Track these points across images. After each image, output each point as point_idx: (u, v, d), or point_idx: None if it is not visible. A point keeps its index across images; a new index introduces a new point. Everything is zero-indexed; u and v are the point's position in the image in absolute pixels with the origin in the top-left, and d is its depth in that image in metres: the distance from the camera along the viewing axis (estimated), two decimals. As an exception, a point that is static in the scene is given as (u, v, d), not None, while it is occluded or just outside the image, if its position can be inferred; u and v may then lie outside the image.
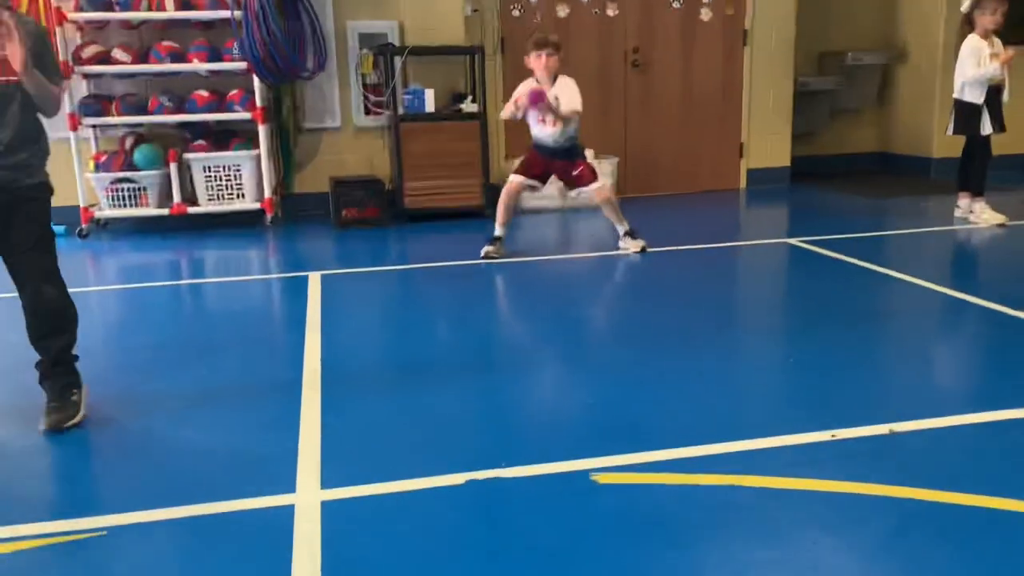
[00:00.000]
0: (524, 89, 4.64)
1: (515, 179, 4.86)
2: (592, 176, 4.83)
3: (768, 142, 7.32)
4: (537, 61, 4.60)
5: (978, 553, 1.87)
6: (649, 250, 4.89)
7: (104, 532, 2.05)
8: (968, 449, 2.42)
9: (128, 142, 5.93)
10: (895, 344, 3.37)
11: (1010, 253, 4.88)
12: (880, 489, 2.16)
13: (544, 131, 4.71)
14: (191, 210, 5.88)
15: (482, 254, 4.72)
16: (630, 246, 4.87)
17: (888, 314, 3.76)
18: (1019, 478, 2.22)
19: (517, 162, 5.09)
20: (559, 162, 4.82)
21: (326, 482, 2.27)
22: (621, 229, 4.93)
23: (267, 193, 5.95)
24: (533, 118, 4.70)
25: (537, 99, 4.50)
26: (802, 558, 1.87)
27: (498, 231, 4.84)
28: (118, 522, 2.09)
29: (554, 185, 6.39)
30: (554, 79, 4.68)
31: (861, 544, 1.92)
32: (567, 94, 4.60)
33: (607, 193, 4.94)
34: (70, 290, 2.80)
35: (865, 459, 2.33)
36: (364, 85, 6.31)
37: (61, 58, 5.53)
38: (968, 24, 5.36)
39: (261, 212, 5.98)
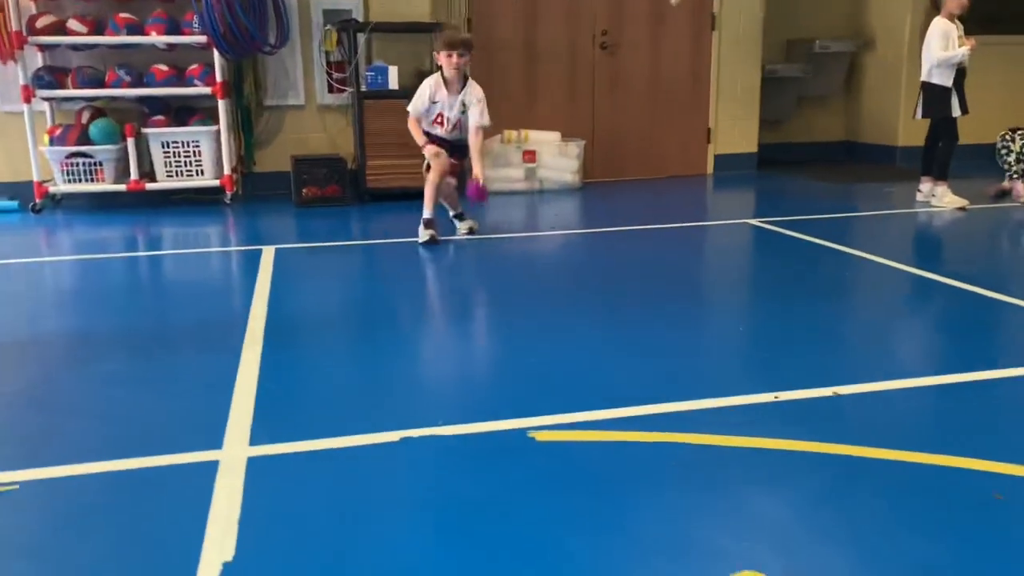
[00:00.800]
0: (427, 91, 4.54)
1: (436, 167, 4.64)
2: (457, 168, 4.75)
3: (735, 128, 7.31)
4: (447, 60, 4.46)
5: (913, 506, 1.85)
6: (605, 229, 4.85)
7: (16, 486, 1.97)
8: (910, 410, 2.40)
9: (84, 116, 5.80)
10: (847, 315, 3.35)
11: (968, 235, 4.89)
12: (819, 447, 2.13)
13: (438, 131, 4.63)
14: (149, 186, 5.77)
15: (426, 237, 4.57)
16: (463, 228, 4.81)
17: (843, 288, 3.75)
18: (957, 437, 2.20)
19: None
20: (450, 151, 4.69)
21: (255, 439, 2.21)
22: (452, 211, 4.88)
23: (227, 170, 5.85)
24: (429, 118, 4.61)
25: (480, 197, 4.41)
26: (736, 511, 1.84)
27: (428, 214, 4.67)
28: (32, 477, 2.02)
29: (519, 167, 6.38)
30: (464, 80, 4.60)
31: (797, 498, 1.89)
32: (477, 109, 4.52)
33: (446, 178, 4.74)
34: (19, 260, 2.72)
35: (806, 419, 2.30)
36: (328, 62, 6.22)
37: (14, 28, 5.41)
38: (934, 7, 5.37)
39: (220, 189, 5.88)
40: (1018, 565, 1.63)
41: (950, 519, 1.80)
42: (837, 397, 2.44)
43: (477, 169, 4.45)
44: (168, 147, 5.78)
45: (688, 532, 1.76)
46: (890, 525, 1.77)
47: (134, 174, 5.71)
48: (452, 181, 4.71)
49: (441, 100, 4.55)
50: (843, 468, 2.03)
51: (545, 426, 2.26)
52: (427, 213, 4.56)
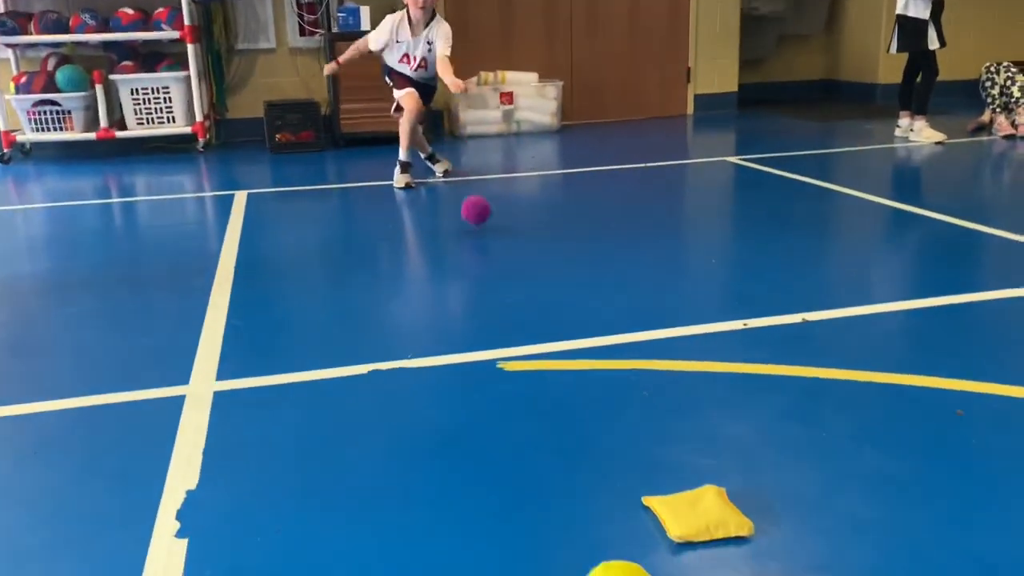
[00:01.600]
0: (388, 27, 4.38)
1: (409, 105, 4.56)
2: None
3: (715, 68, 7.23)
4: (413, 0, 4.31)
5: (876, 423, 1.86)
6: (583, 169, 4.82)
7: (-20, 422, 1.97)
8: (877, 334, 2.41)
9: (50, 63, 5.68)
10: (821, 246, 3.35)
11: (945, 168, 4.89)
12: (785, 369, 2.15)
13: (405, 69, 4.51)
14: (119, 134, 5.67)
15: (402, 184, 4.52)
16: (439, 169, 4.76)
17: (818, 221, 3.74)
18: (922, 358, 2.22)
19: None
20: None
21: (222, 375, 2.20)
22: (424, 154, 4.78)
23: (198, 117, 5.75)
24: (394, 56, 4.49)
25: (480, 215, 3.59)
26: (701, 431, 1.85)
27: (404, 156, 4.60)
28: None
29: (496, 110, 6.30)
30: (432, 16, 4.42)
31: (761, 417, 1.90)
32: (442, 42, 4.33)
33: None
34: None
35: (774, 345, 2.31)
36: (298, 3, 6.09)
37: (-28, -29, 5.25)
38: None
39: (193, 137, 5.79)
40: (976, 475, 1.65)
41: (912, 435, 1.81)
42: (806, 323, 2.45)
43: (448, 80, 4.27)
44: (137, 94, 5.67)
45: (654, 452, 1.76)
46: (853, 441, 1.79)
47: (104, 122, 5.61)
48: (418, 127, 4.62)
49: (405, 40, 4.43)
50: (808, 389, 2.04)
51: (514, 357, 2.26)
52: (403, 155, 4.49)
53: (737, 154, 5.28)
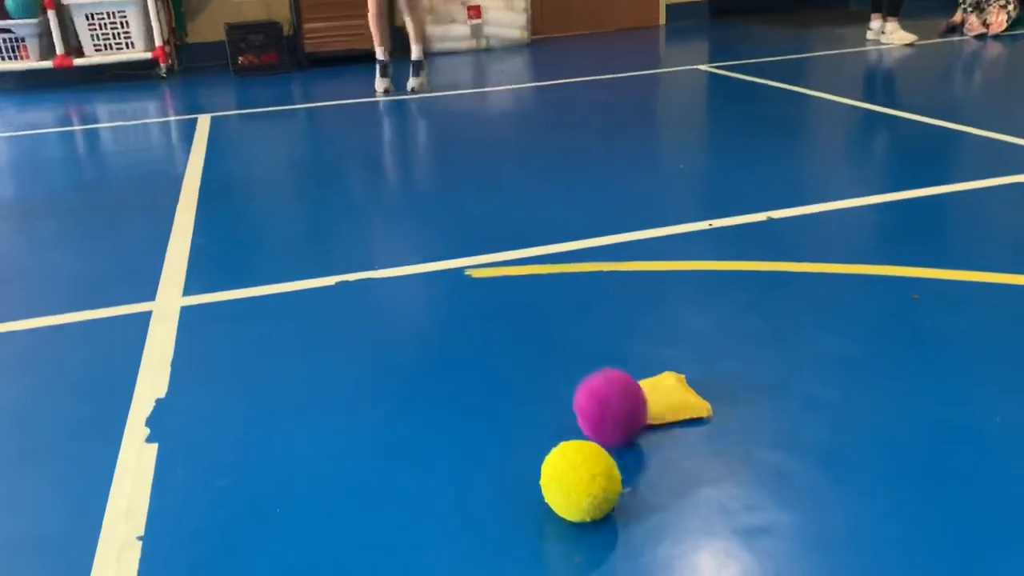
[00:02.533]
0: None
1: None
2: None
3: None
4: None
5: (835, 310, 1.90)
6: (553, 82, 4.75)
7: (-54, 344, 1.96)
8: (839, 229, 2.43)
9: (-1, -11, 5.48)
10: (789, 147, 3.35)
11: (915, 69, 4.86)
12: (748, 265, 2.17)
13: None
14: (77, 62, 5.52)
15: (381, 90, 4.50)
16: (413, 83, 4.68)
17: (787, 124, 3.73)
18: (882, 248, 2.25)
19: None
20: None
21: (188, 290, 2.19)
22: (415, 53, 4.70)
23: (158, 42, 5.60)
24: None
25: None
26: (664, 325, 1.87)
27: (380, 55, 4.50)
28: (-38, 335, 2.00)
29: (464, 24, 6.17)
30: None
31: (723, 309, 1.93)
32: None
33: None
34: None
35: (739, 243, 2.33)
36: (254, -80, 5.88)
37: None
38: None
39: (154, 63, 5.65)
40: (931, 355, 1.69)
41: (871, 320, 1.85)
42: (771, 221, 2.47)
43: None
44: (93, 19, 5.50)
45: (617, 346, 1.79)
46: (811, 327, 1.82)
47: (59, 49, 5.45)
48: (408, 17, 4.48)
49: None
50: (771, 282, 2.07)
51: (482, 264, 2.26)
52: (379, 54, 4.37)
53: (709, 62, 5.23)
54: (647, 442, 1.45)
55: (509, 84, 5.04)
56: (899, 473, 1.34)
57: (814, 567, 1.15)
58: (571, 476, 1.21)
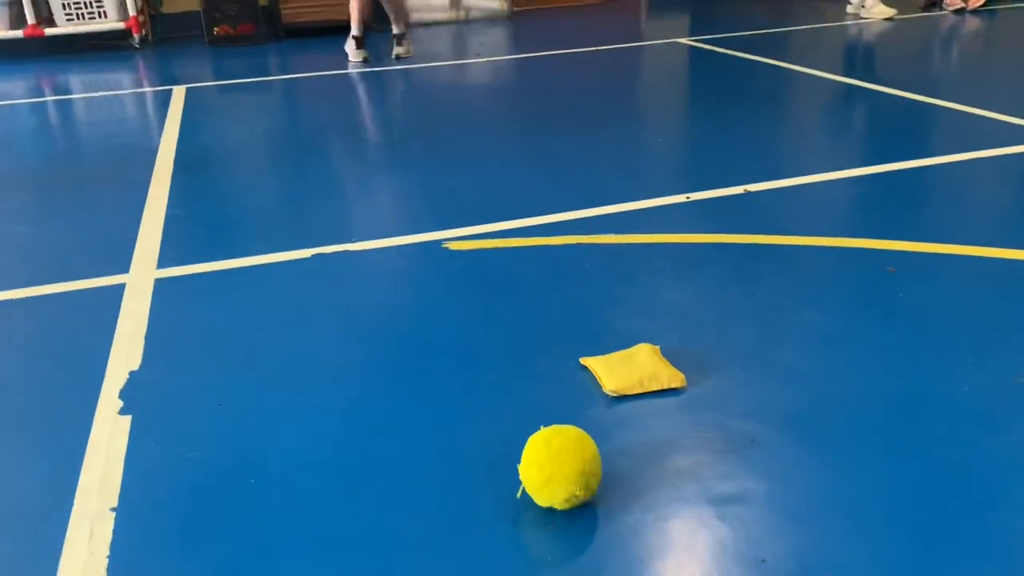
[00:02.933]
0: None
1: None
2: None
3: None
4: None
5: (813, 283, 1.91)
6: (533, 54, 4.72)
7: (-85, 317, 1.93)
8: (818, 202, 2.44)
9: (-34, -44, 5.35)
10: (768, 122, 3.35)
11: (894, 43, 4.87)
12: (725, 238, 2.17)
13: None
14: (48, 31, 5.42)
15: (359, 60, 4.45)
16: (399, 50, 4.64)
17: (767, 98, 3.73)
18: (859, 221, 2.26)
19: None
20: None
21: (163, 263, 2.17)
22: (396, 29, 4.68)
23: (131, 11, 5.50)
24: None
25: None
26: (641, 298, 1.88)
27: (356, 31, 4.49)
28: (-68, 308, 1.98)
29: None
30: None
31: (700, 281, 1.93)
32: None
33: None
34: None
35: (716, 215, 2.33)
36: None
37: None
38: None
39: (127, 33, 5.56)
40: (904, 326, 1.70)
41: (846, 292, 1.86)
42: (748, 194, 2.47)
43: None
44: (64, -12, 5.39)
45: (594, 318, 1.80)
46: (787, 299, 1.83)
47: (30, 19, 5.35)
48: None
49: None
50: (747, 255, 2.08)
51: (460, 237, 2.26)
52: (355, 30, 4.36)
53: (690, 35, 5.21)
54: (623, 411, 1.46)
55: (489, 56, 5.00)
56: (870, 442, 1.35)
57: (785, 535, 1.17)
58: (556, 475, 1.17)
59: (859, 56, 4.77)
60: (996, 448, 1.33)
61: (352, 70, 4.57)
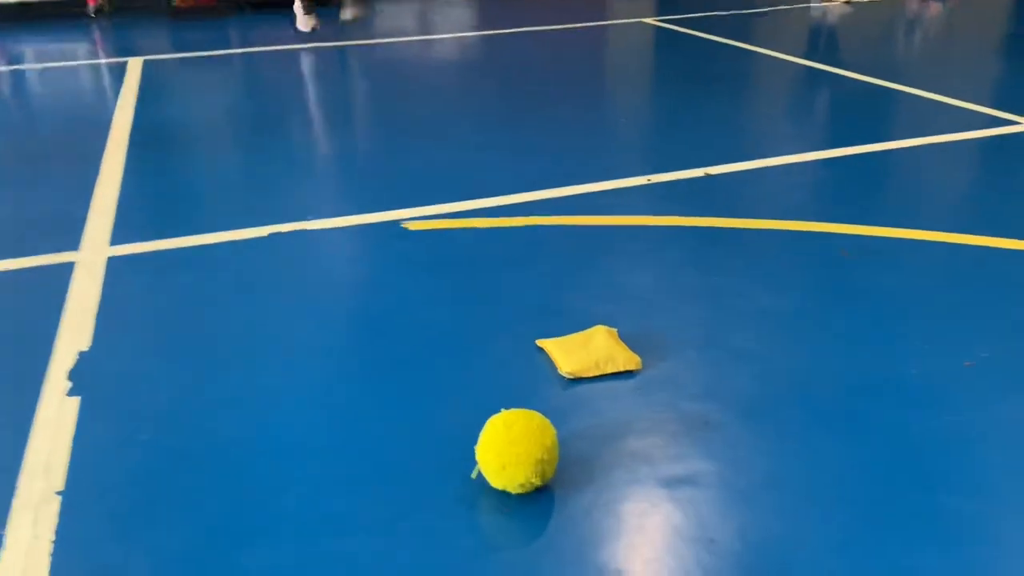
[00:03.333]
0: None
1: None
2: None
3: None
4: None
5: (767, 265, 1.92)
6: (496, 32, 4.68)
7: None
8: (776, 185, 2.45)
9: (-88, -81, 5.17)
10: (730, 103, 3.36)
11: (854, 28, 4.90)
12: (685, 220, 2.18)
13: None
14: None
15: (307, 28, 4.31)
16: (347, 14, 4.50)
17: (729, 79, 3.74)
18: (815, 205, 2.28)
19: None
20: None
21: (115, 240, 2.13)
22: None
23: (86, -20, 5.35)
24: None
25: None
26: (598, 278, 1.88)
27: None
28: None
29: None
30: None
31: (658, 264, 1.94)
32: None
33: None
34: None
35: (677, 198, 2.34)
36: None
37: None
38: None
39: (83, 2, 5.41)
40: (855, 309, 1.73)
41: (800, 275, 1.88)
42: (708, 177, 2.48)
43: None
44: (15, -46, 5.23)
45: (551, 300, 1.79)
46: (743, 282, 1.85)
47: (-20, -14, 5.18)
48: None
49: None
50: (705, 237, 2.09)
51: (418, 217, 2.24)
52: None
53: (655, 15, 5.20)
54: (577, 394, 1.46)
55: (450, 32, 4.95)
56: (821, 424, 1.37)
57: (735, 516, 1.18)
58: (513, 461, 1.17)
59: (821, 40, 4.80)
60: (944, 430, 1.35)
61: (311, 44, 4.50)
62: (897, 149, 2.69)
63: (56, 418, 1.42)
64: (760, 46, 4.18)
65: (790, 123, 3.11)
